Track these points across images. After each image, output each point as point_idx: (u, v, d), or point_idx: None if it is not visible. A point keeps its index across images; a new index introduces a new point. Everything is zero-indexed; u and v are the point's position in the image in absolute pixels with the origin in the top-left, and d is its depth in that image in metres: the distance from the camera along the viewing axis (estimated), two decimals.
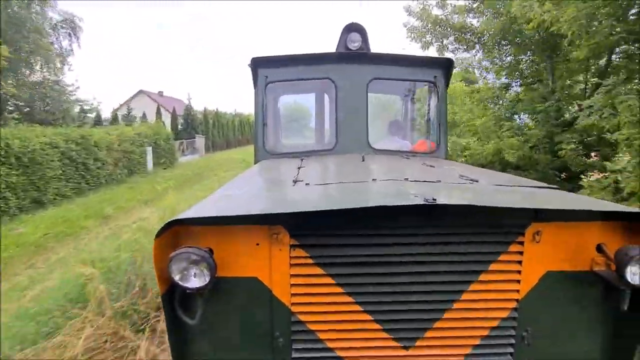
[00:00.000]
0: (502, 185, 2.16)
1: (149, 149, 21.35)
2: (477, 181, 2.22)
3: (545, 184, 2.39)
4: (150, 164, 21.36)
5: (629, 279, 1.62)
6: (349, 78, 3.72)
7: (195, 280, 1.59)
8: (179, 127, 34.69)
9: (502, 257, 1.75)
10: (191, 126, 35.43)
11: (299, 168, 2.89)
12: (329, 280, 1.74)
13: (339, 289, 1.74)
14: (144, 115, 33.36)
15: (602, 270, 1.74)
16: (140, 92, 45.89)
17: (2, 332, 3.38)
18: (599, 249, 1.76)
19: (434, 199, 1.50)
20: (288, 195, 2.02)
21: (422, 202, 1.48)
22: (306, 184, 2.16)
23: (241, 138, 48.40)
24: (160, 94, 48.97)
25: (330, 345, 1.78)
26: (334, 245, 1.73)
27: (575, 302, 1.81)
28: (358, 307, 1.75)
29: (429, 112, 4.21)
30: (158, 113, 33.58)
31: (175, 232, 1.67)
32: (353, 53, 3.71)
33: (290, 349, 1.78)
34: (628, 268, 1.61)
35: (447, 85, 4.00)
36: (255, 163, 3.84)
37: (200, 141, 33.82)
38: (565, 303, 1.81)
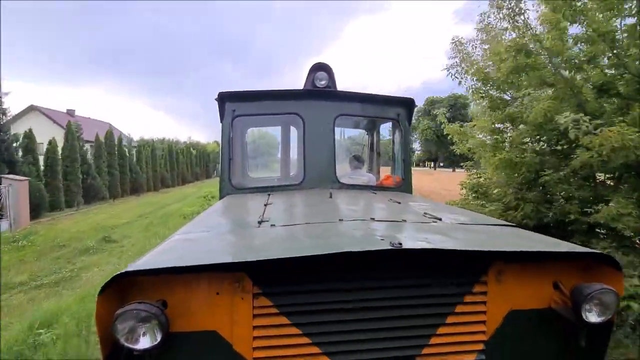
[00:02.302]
0: (465, 224, 2.22)
1: None
2: (440, 219, 2.27)
3: (504, 222, 2.49)
4: None
5: (584, 317, 1.67)
6: (316, 114, 3.80)
7: (145, 339, 1.42)
8: None
9: (467, 298, 1.75)
10: None
11: (265, 205, 2.82)
12: (295, 330, 1.64)
13: (306, 339, 1.64)
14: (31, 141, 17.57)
15: (560, 307, 1.79)
16: (32, 108, 32.36)
17: None
18: (556, 286, 1.82)
19: (399, 244, 1.49)
20: (252, 239, 1.93)
21: (388, 247, 1.47)
22: (272, 225, 2.09)
23: (169, 176, 30.68)
24: (71, 113, 35.98)
25: None
26: (299, 292, 1.65)
27: (539, 339, 1.84)
28: (326, 359, 1.65)
29: (393, 148, 4.37)
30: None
31: (121, 285, 1.52)
32: (320, 90, 3.82)
33: None
34: (583, 306, 1.66)
35: (409, 122, 4.20)
36: (220, 198, 3.72)
37: (14, 189, 13.96)
38: (529, 340, 1.83)
